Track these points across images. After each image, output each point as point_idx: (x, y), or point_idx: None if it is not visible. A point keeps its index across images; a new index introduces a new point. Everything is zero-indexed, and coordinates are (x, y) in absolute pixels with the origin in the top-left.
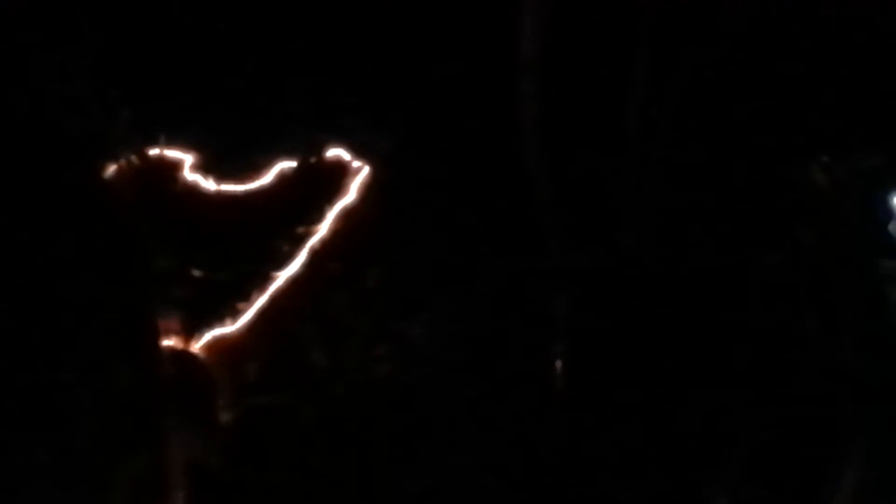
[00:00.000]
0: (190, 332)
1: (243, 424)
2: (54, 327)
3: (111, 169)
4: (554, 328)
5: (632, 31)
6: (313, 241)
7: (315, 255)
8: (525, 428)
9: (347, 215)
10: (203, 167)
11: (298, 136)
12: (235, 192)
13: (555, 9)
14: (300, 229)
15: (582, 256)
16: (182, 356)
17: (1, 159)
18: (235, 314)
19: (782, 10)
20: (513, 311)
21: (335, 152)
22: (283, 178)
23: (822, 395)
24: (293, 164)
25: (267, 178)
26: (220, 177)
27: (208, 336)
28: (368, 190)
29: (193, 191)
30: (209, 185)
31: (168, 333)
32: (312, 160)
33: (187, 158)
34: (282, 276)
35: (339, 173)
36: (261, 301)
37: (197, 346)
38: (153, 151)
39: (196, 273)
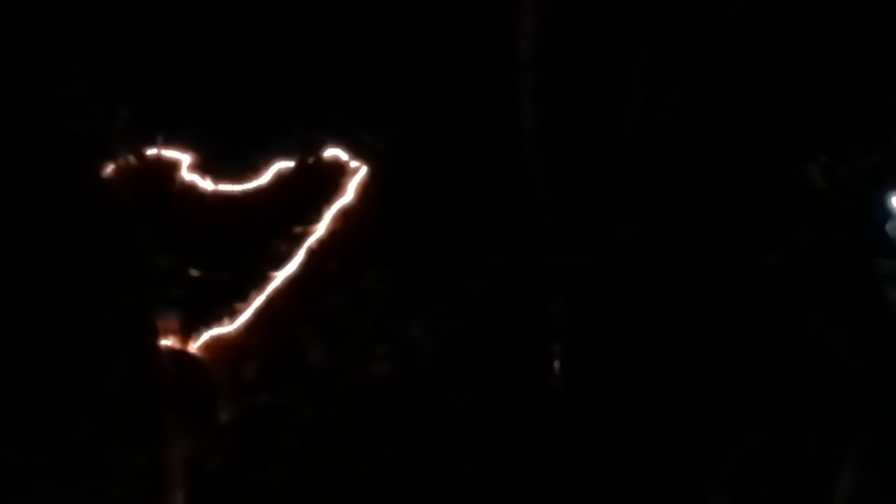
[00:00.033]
0: (188, 332)
1: (242, 424)
2: (53, 327)
3: (109, 168)
4: (552, 328)
5: (631, 30)
6: (311, 240)
7: (313, 254)
8: (524, 427)
9: (345, 215)
10: (201, 167)
11: (296, 135)
12: (233, 191)
13: (554, 8)
14: (298, 229)
15: (580, 256)
16: (181, 356)
17: None
18: (234, 314)
19: (781, 10)
20: (511, 311)
21: (333, 152)
22: (280, 178)
23: (822, 395)
24: (291, 163)
25: (265, 177)
26: (218, 177)
27: (207, 336)
28: (366, 190)
29: (191, 191)
30: (207, 184)
31: (166, 333)
32: (310, 160)
33: (185, 158)
34: (280, 276)
35: (337, 173)
36: (259, 301)
37: (195, 346)
38: (151, 151)
39: (194, 273)
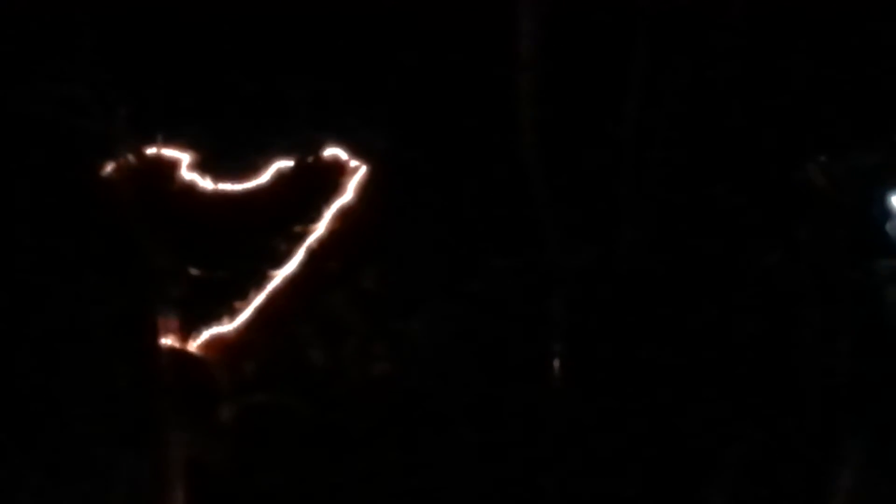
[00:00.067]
0: (188, 331)
1: (241, 423)
2: (52, 326)
3: (109, 168)
4: (552, 327)
5: (631, 30)
6: (311, 240)
7: (313, 254)
8: (523, 427)
9: (345, 214)
10: (200, 166)
11: (296, 135)
12: (233, 191)
13: (553, 8)
14: (298, 228)
15: (580, 256)
16: (180, 355)
17: None
18: (233, 313)
19: (780, 9)
20: (511, 310)
21: (333, 151)
22: (280, 177)
23: (821, 394)
24: (291, 163)
25: (264, 177)
26: (218, 176)
27: (206, 335)
28: (366, 189)
29: (191, 190)
30: (207, 184)
31: (166, 332)
32: (310, 159)
33: (185, 157)
34: (279, 275)
35: (337, 172)
36: (258, 300)
37: (195, 345)
38: (150, 150)
39: (193, 272)
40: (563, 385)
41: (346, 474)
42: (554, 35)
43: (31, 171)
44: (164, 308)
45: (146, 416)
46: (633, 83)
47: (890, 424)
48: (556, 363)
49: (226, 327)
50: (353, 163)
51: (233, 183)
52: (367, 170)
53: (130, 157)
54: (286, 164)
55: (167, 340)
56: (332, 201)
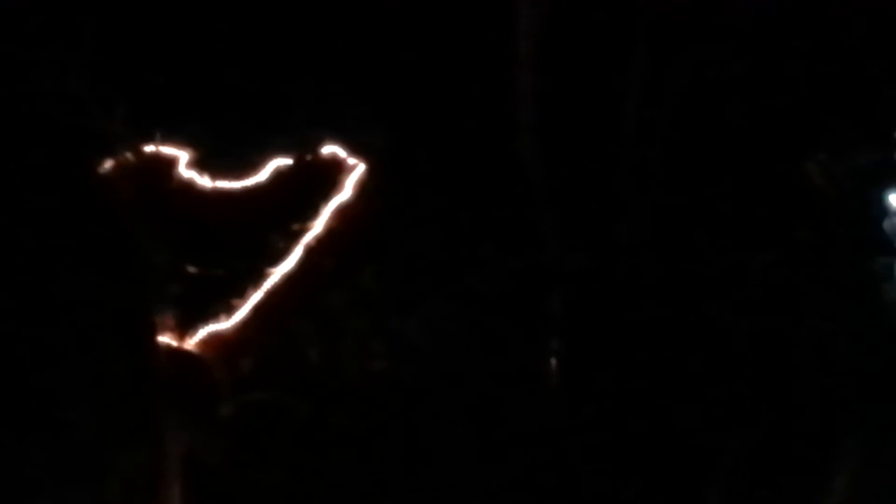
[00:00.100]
0: (185, 328)
1: (239, 420)
2: (50, 324)
3: (108, 165)
4: (549, 326)
5: (629, 30)
6: (309, 237)
7: (310, 251)
8: (520, 425)
9: (343, 212)
10: (199, 164)
11: (294, 133)
12: (231, 188)
13: (552, 7)
14: (296, 226)
15: (578, 254)
16: (178, 352)
17: None
18: (230, 310)
19: (779, 9)
20: (508, 309)
21: (331, 149)
22: (278, 175)
23: (820, 393)
24: (289, 161)
25: (263, 175)
26: (216, 174)
27: (203, 332)
28: (364, 187)
29: (189, 187)
30: (205, 181)
31: (164, 329)
32: (308, 157)
33: (183, 155)
34: (277, 273)
35: (335, 170)
36: (256, 297)
37: (192, 343)
38: (149, 148)
39: (191, 269)
40: (561, 383)
41: (344, 471)
42: (553, 35)
43: (30, 168)
44: (161, 305)
45: (144, 413)
46: (632, 83)
47: (888, 422)
48: (554, 361)
49: (223, 325)
50: (352, 161)
51: (231, 181)
52: (366, 168)
53: (129, 155)
54: (284, 161)
55: (165, 338)
56: (331, 199)
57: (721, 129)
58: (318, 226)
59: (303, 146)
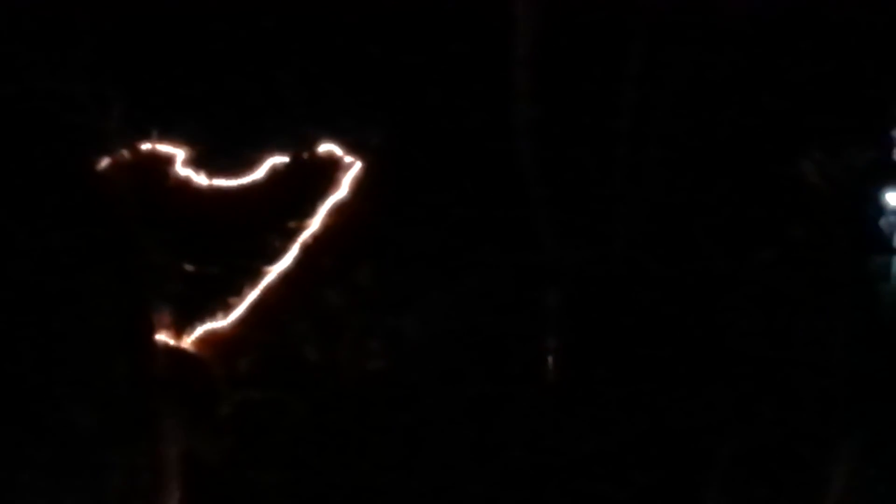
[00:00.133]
0: (182, 327)
1: (236, 418)
2: (46, 322)
3: (104, 164)
4: (547, 324)
5: (626, 28)
6: (305, 235)
7: (307, 249)
8: (518, 423)
9: (339, 210)
10: (195, 162)
11: (290, 131)
12: (227, 186)
13: (549, 5)
14: (292, 224)
15: (575, 253)
16: (176, 351)
17: None
18: (227, 308)
19: (775, 8)
20: (506, 307)
21: (327, 147)
22: (275, 173)
23: (817, 392)
24: (285, 158)
25: (259, 172)
26: (213, 172)
27: (200, 330)
28: (360, 185)
29: (186, 186)
30: (201, 179)
31: (160, 328)
32: (304, 155)
33: (180, 153)
34: (274, 271)
35: (332, 168)
36: (253, 296)
37: (189, 341)
38: (146, 146)
39: (188, 267)
40: (559, 381)
41: (342, 470)
42: (550, 33)
43: (26, 166)
44: (158, 303)
45: (142, 411)
46: (629, 82)
47: (887, 421)
48: (551, 360)
49: (220, 323)
50: (348, 159)
51: (228, 179)
52: (362, 166)
53: (125, 153)
54: (281, 159)
55: (162, 336)
56: (328, 197)
57: (718, 128)
58: (315, 224)
59: (299, 144)
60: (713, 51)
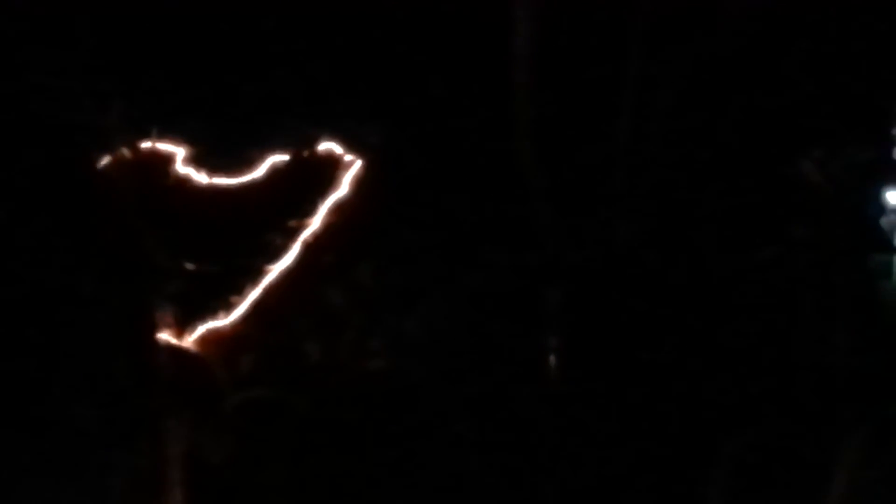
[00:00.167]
0: (184, 326)
1: (238, 416)
2: (49, 322)
3: (104, 162)
4: (548, 323)
5: (627, 28)
6: (306, 234)
7: (308, 248)
8: (519, 421)
9: (340, 209)
10: (195, 160)
11: (291, 129)
12: (228, 185)
13: (549, 6)
14: (293, 222)
15: (577, 252)
16: (177, 349)
17: None
18: (229, 307)
19: (776, 6)
20: (507, 306)
21: (328, 146)
22: (275, 172)
23: (818, 391)
24: (286, 157)
25: (260, 171)
26: (213, 170)
27: (202, 329)
28: (361, 184)
29: (186, 184)
30: (202, 178)
31: (162, 327)
32: (305, 154)
33: (180, 152)
34: (275, 270)
35: (332, 167)
36: (254, 294)
37: (191, 340)
38: (146, 145)
39: (189, 266)
40: (560, 380)
41: (342, 468)
42: (551, 32)
43: (27, 164)
44: (160, 303)
45: (144, 410)
46: (629, 81)
47: (887, 420)
48: (552, 359)
49: (222, 322)
50: (349, 157)
51: (228, 177)
52: (363, 164)
53: (126, 152)
54: (281, 158)
55: (163, 335)
56: (328, 195)
57: (718, 128)
58: (316, 222)
59: (300, 143)
60: (714, 50)
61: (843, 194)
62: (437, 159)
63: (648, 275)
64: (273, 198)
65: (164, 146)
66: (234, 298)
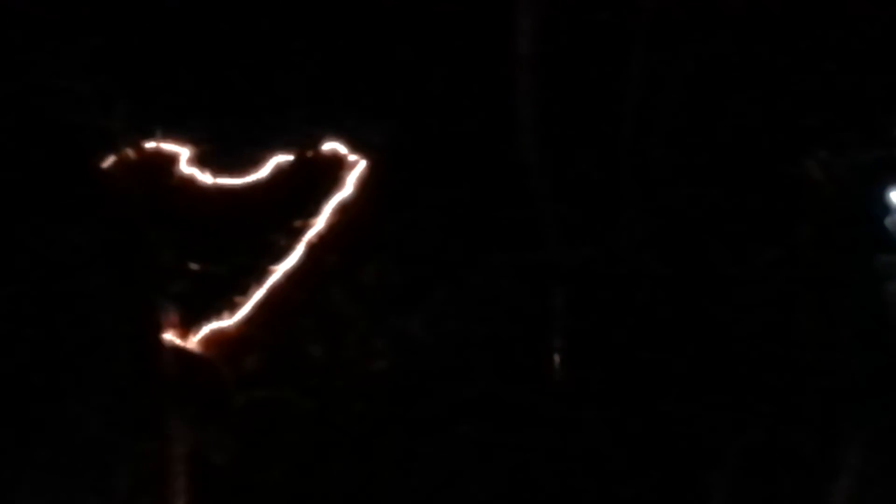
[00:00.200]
0: (188, 326)
1: (242, 417)
2: (53, 321)
3: (108, 162)
4: (552, 323)
5: (630, 27)
6: (310, 234)
7: (312, 248)
8: (522, 423)
9: (344, 209)
10: (200, 161)
11: (295, 129)
12: (232, 185)
13: (552, 6)
14: (297, 223)
15: (580, 253)
16: (182, 350)
17: None
18: (233, 308)
19: (779, 6)
20: (511, 306)
21: (332, 146)
22: (279, 172)
23: (820, 392)
24: (290, 157)
25: (264, 171)
26: (217, 170)
27: (206, 329)
28: (365, 184)
29: (190, 184)
30: (206, 178)
31: (166, 327)
32: (309, 154)
33: (184, 152)
34: (279, 270)
35: (336, 167)
36: (258, 295)
37: (195, 340)
38: (150, 145)
39: (193, 266)
40: (564, 381)
41: (346, 468)
42: (553, 33)
43: (31, 165)
44: (164, 303)
45: (148, 411)
46: (632, 81)
47: (891, 421)
48: (557, 359)
49: (226, 322)
50: (353, 157)
51: (232, 178)
52: (367, 164)
53: (130, 152)
54: (286, 158)
55: (168, 335)
56: (332, 196)
57: (722, 127)
58: (320, 223)
59: (304, 143)
60: (717, 50)
61: (847, 194)
62: (442, 159)
63: (652, 275)
64: (277, 198)
65: (168, 146)
66: (238, 299)
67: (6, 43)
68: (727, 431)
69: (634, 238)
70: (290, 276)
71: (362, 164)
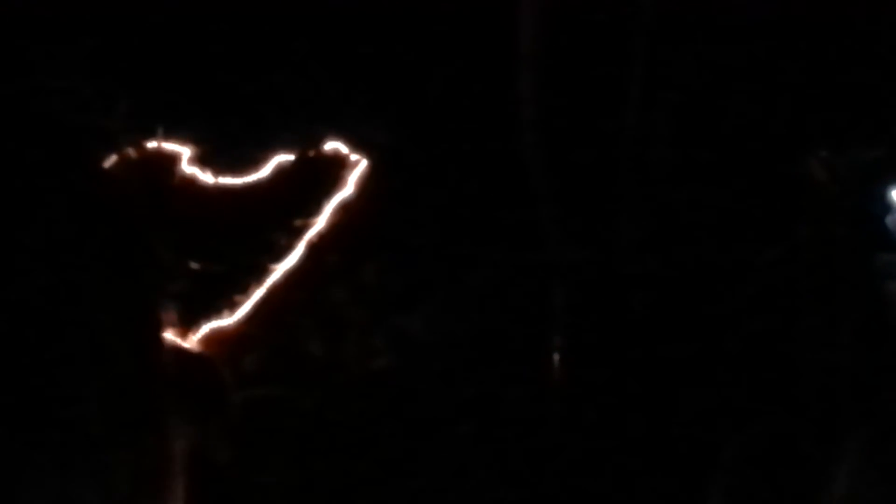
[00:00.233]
0: (188, 325)
1: (242, 416)
2: (53, 321)
3: (109, 162)
4: (552, 323)
5: (630, 27)
6: (311, 233)
7: (313, 247)
8: (522, 422)
9: (345, 208)
10: (201, 160)
11: (296, 129)
12: (233, 185)
13: (553, 4)
14: (298, 222)
15: (580, 252)
16: (182, 349)
17: None
18: (233, 307)
19: (781, 5)
20: (511, 306)
21: (333, 145)
22: (281, 171)
23: (820, 391)
24: (291, 157)
25: (265, 171)
26: (218, 170)
27: (206, 328)
28: (366, 183)
29: (191, 184)
30: (207, 178)
31: (167, 326)
32: (310, 153)
33: (185, 151)
34: (280, 269)
35: (338, 166)
36: (259, 294)
37: (195, 339)
38: (151, 144)
39: (194, 265)
40: (564, 380)
41: (346, 468)
42: (554, 32)
43: (31, 165)
44: (164, 302)
45: (147, 410)
46: (633, 81)
47: (890, 421)
48: (557, 358)
49: (226, 321)
50: (354, 157)
51: (233, 177)
52: (368, 164)
53: (131, 152)
54: (287, 157)
55: (168, 334)
56: (333, 195)
57: (723, 126)
58: (321, 222)
59: (305, 142)
60: (718, 49)
61: (848, 193)
62: (443, 159)
63: (653, 274)
64: (278, 197)
65: (169, 146)
66: (238, 298)
67: (6, 43)
68: (727, 431)
69: (636, 237)
70: (291, 276)
71: (364, 164)
